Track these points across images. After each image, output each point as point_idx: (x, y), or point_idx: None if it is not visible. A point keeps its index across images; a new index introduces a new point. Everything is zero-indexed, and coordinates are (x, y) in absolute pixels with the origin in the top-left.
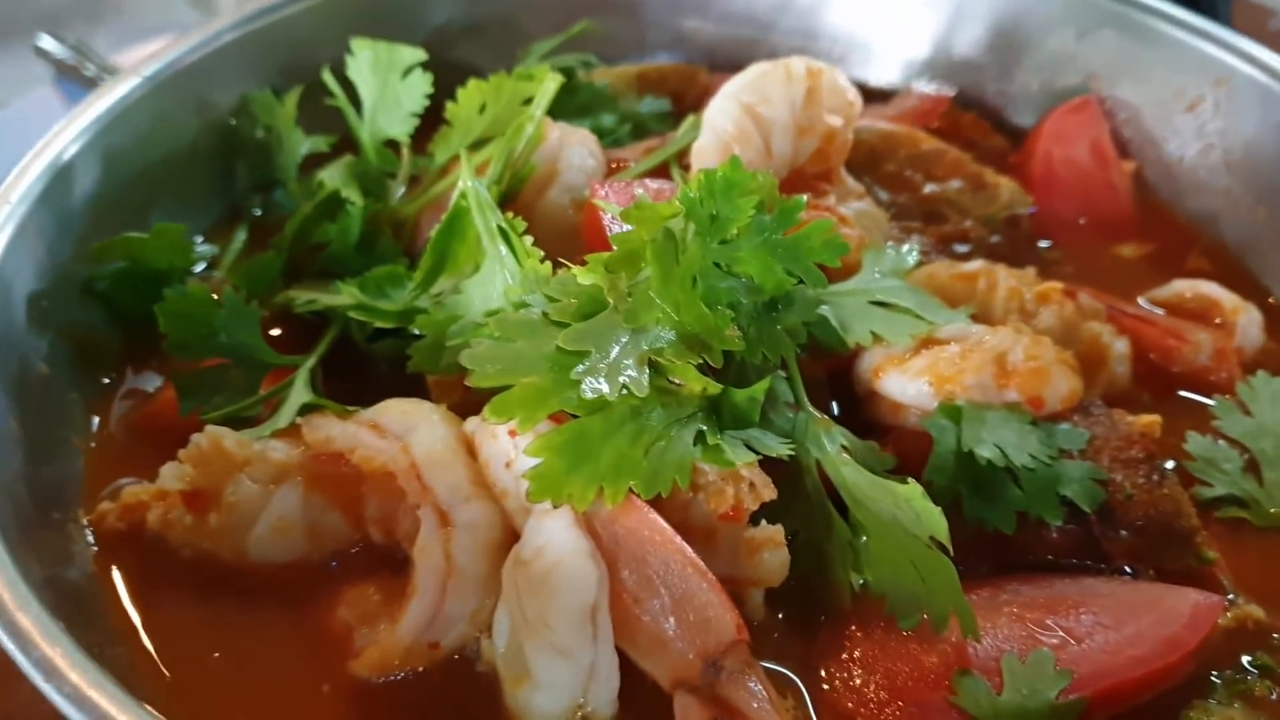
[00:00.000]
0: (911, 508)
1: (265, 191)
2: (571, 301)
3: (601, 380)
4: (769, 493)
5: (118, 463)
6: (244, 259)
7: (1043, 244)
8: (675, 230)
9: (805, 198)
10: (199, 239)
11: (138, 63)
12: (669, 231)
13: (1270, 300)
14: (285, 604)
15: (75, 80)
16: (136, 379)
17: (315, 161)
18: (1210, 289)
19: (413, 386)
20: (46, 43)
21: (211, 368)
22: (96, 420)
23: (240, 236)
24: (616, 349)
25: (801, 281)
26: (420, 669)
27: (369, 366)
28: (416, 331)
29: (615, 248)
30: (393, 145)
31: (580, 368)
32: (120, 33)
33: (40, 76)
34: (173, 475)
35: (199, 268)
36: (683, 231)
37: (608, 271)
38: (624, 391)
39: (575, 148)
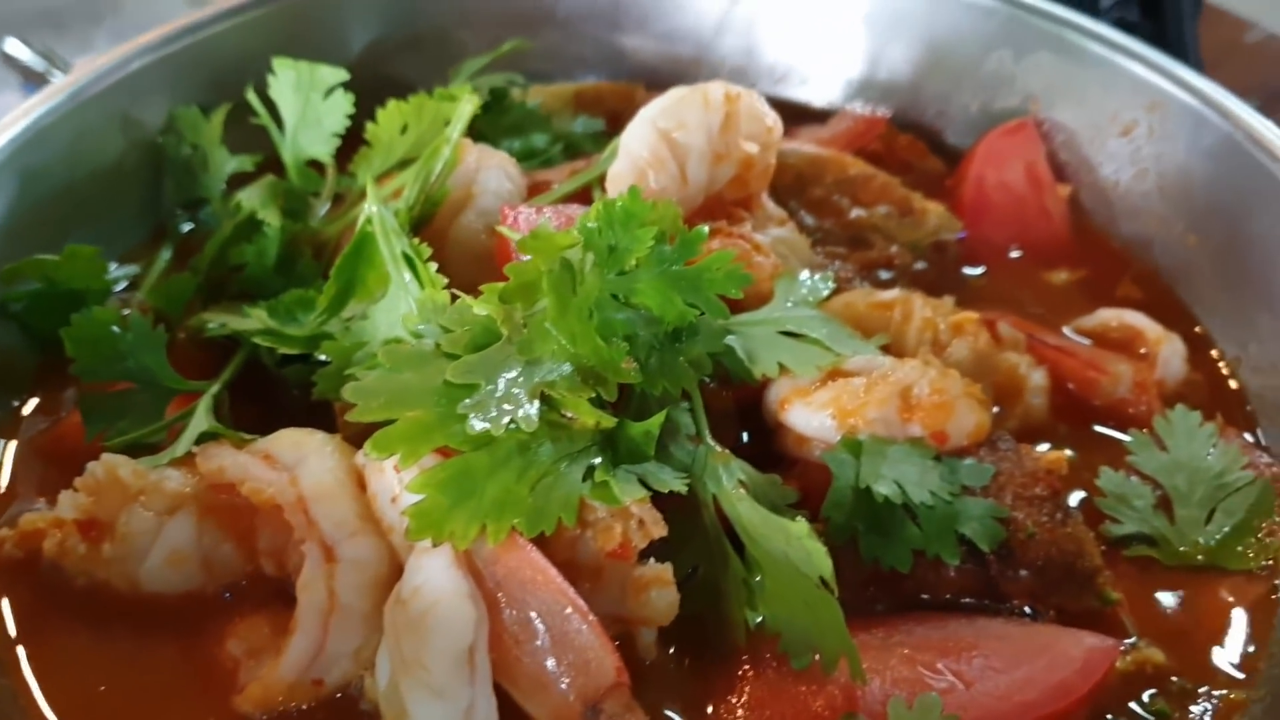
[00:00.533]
0: (802, 546)
1: (193, 210)
2: (464, 332)
3: (489, 414)
4: (658, 530)
5: (23, 487)
6: (163, 279)
7: (974, 270)
8: (573, 260)
9: (707, 228)
10: (114, 264)
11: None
12: (566, 262)
13: (1197, 329)
14: (176, 636)
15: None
16: (50, 401)
17: (243, 180)
18: (1135, 319)
19: (324, 413)
20: (12, 47)
21: (117, 391)
22: (2, 443)
23: (164, 256)
24: (505, 381)
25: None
26: (305, 706)
27: (282, 392)
28: (323, 357)
29: (510, 278)
30: (319, 165)
31: (468, 401)
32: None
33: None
34: (69, 503)
35: (120, 287)
36: (580, 262)
37: (503, 302)
38: (512, 426)
39: (492, 170)
